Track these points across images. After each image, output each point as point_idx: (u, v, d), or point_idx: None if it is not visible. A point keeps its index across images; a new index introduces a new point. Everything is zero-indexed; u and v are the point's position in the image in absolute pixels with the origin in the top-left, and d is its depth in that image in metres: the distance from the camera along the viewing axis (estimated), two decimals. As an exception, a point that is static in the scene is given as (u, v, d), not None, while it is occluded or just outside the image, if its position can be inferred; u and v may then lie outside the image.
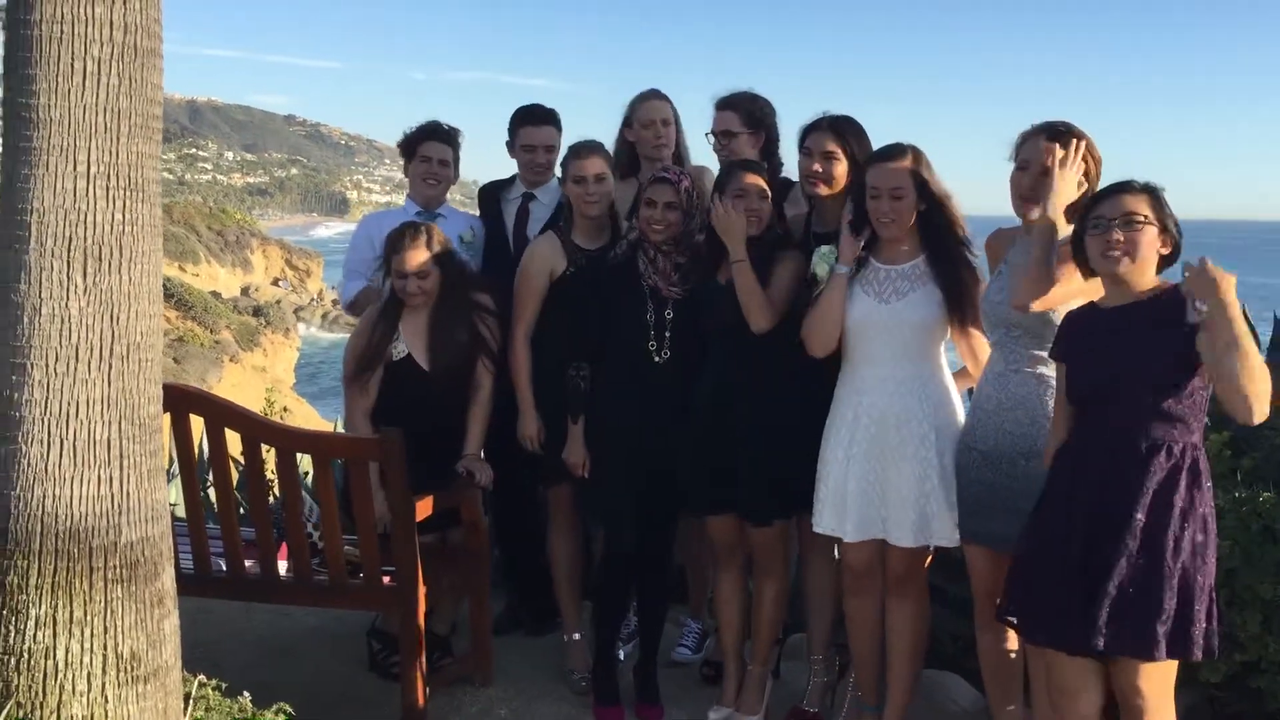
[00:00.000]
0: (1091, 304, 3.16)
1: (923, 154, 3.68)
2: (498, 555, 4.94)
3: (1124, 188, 3.07)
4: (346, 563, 3.95)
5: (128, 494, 2.84)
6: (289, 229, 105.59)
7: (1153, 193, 3.04)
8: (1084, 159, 3.38)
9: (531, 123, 4.71)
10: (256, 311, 37.68)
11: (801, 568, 4.33)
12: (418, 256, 4.15)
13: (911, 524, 3.63)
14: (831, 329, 3.71)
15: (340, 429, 5.40)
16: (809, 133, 3.93)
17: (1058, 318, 3.32)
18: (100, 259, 2.77)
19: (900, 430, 3.64)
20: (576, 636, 4.55)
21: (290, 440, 3.94)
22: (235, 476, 4.32)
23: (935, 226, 3.70)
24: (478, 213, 5.00)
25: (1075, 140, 3.36)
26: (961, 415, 3.73)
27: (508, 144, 4.77)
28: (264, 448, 3.97)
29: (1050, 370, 3.36)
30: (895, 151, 3.67)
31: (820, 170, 3.89)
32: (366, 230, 4.87)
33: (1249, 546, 3.57)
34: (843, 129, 3.89)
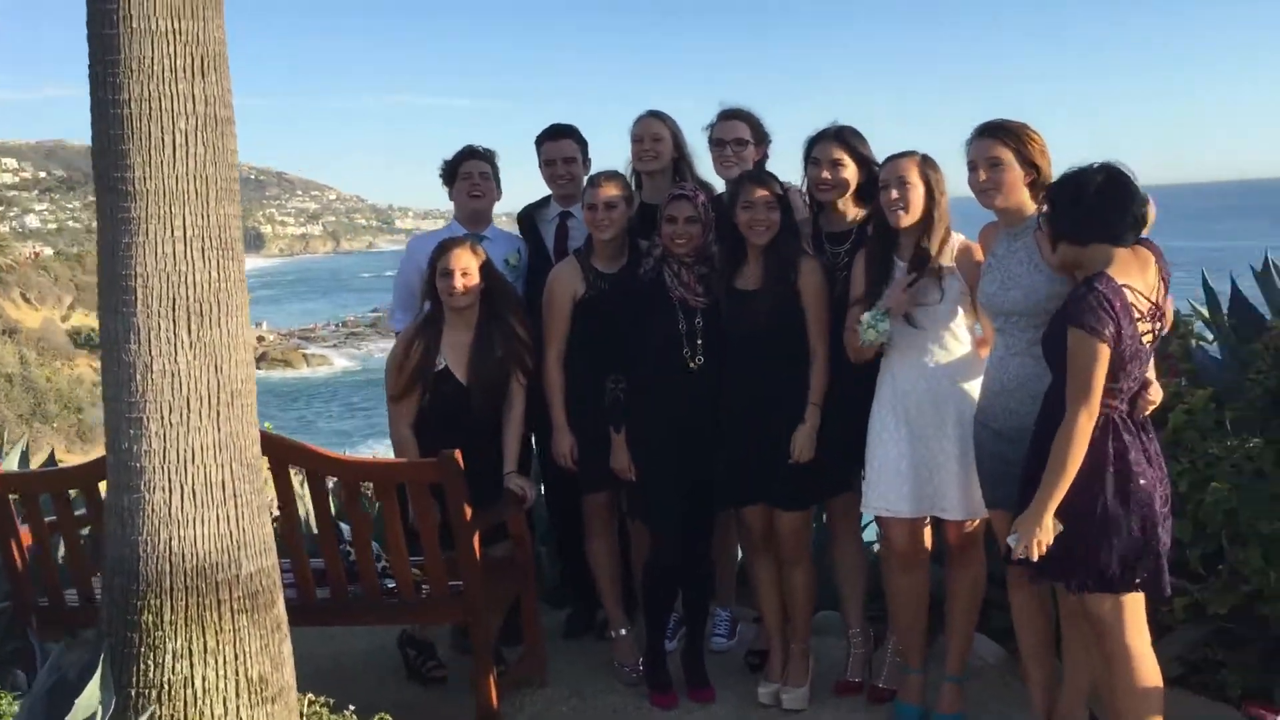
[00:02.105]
0: None
1: (932, 159, 4.00)
2: (560, 566, 5.21)
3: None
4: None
5: (243, 530, 3.07)
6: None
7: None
8: (1040, 153, 3.73)
9: (550, 138, 5.01)
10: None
11: (832, 548, 4.64)
12: (464, 257, 4.42)
13: (958, 499, 3.94)
14: (870, 355, 4.05)
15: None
16: (816, 143, 4.24)
17: (1050, 304, 3.63)
18: (202, 315, 2.99)
19: (939, 412, 3.96)
20: (623, 632, 4.83)
21: (354, 471, 4.17)
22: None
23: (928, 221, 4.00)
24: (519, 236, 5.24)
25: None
26: None
27: (539, 166, 5.04)
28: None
29: None
30: (907, 151, 4.00)
31: (829, 177, 4.21)
32: (414, 255, 5.06)
33: (1245, 488, 3.91)
34: (847, 137, 4.22)
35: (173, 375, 2.96)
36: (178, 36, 2.92)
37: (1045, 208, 3.45)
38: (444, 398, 4.48)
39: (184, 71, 2.94)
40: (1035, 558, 3.34)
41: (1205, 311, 5.15)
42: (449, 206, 5.27)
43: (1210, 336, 4.98)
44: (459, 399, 4.48)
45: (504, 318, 4.53)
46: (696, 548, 4.51)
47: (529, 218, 5.19)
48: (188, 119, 2.97)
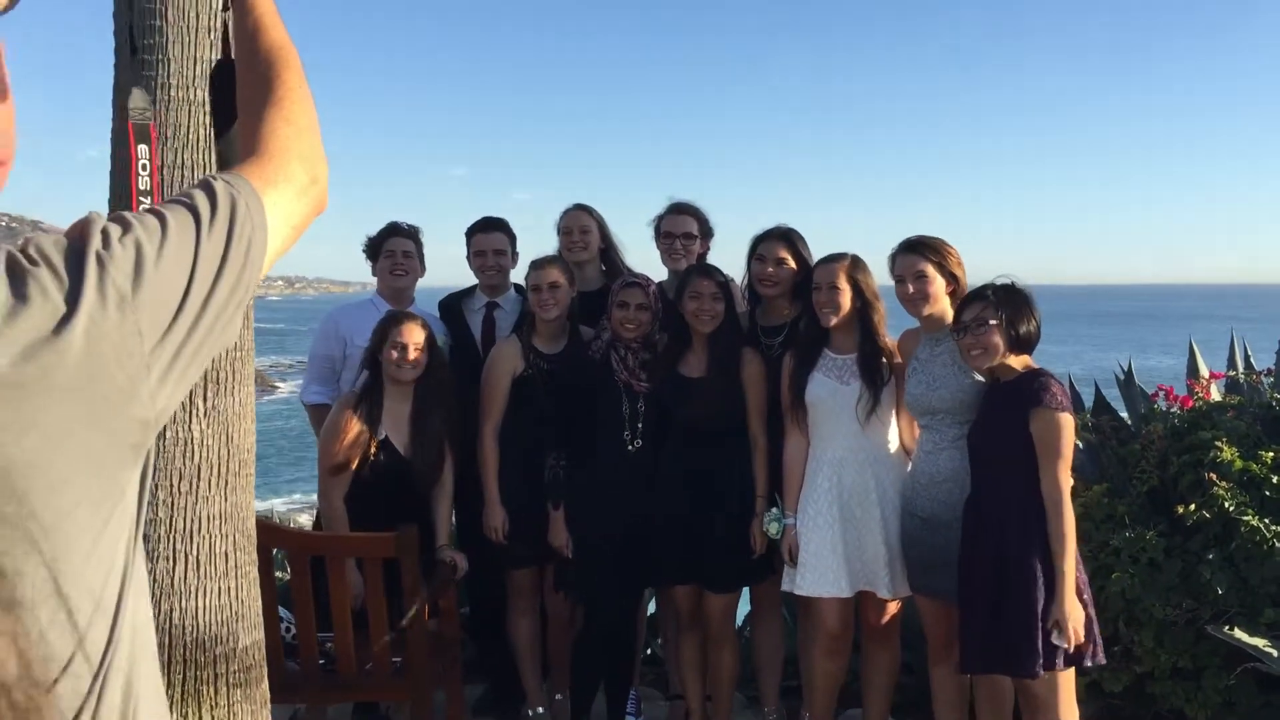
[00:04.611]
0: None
1: (861, 260, 4.31)
2: (475, 641, 5.19)
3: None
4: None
5: (242, 601, 3.03)
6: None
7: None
8: (957, 265, 4.12)
9: (481, 230, 5.08)
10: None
11: (755, 628, 4.83)
12: (416, 331, 4.47)
13: (887, 579, 4.19)
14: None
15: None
16: (762, 241, 4.51)
17: (974, 402, 3.98)
18: (219, 382, 2.97)
19: (865, 498, 4.21)
20: (541, 710, 4.87)
21: (303, 542, 4.11)
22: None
23: (867, 323, 4.30)
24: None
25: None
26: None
27: (467, 257, 5.10)
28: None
29: None
30: (837, 255, 4.29)
31: (772, 273, 4.47)
32: (335, 324, 5.08)
33: (1141, 576, 4.32)
34: (793, 239, 4.50)
35: (185, 443, 2.93)
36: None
37: (993, 320, 3.78)
38: (381, 469, 4.48)
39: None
40: (1080, 639, 3.62)
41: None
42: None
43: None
44: (396, 471, 4.49)
45: (441, 391, 4.59)
46: (627, 624, 4.61)
47: (453, 305, 5.23)
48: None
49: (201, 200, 1.11)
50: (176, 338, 1.04)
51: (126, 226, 1.04)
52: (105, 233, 1.02)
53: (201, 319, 1.06)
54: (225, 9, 1.36)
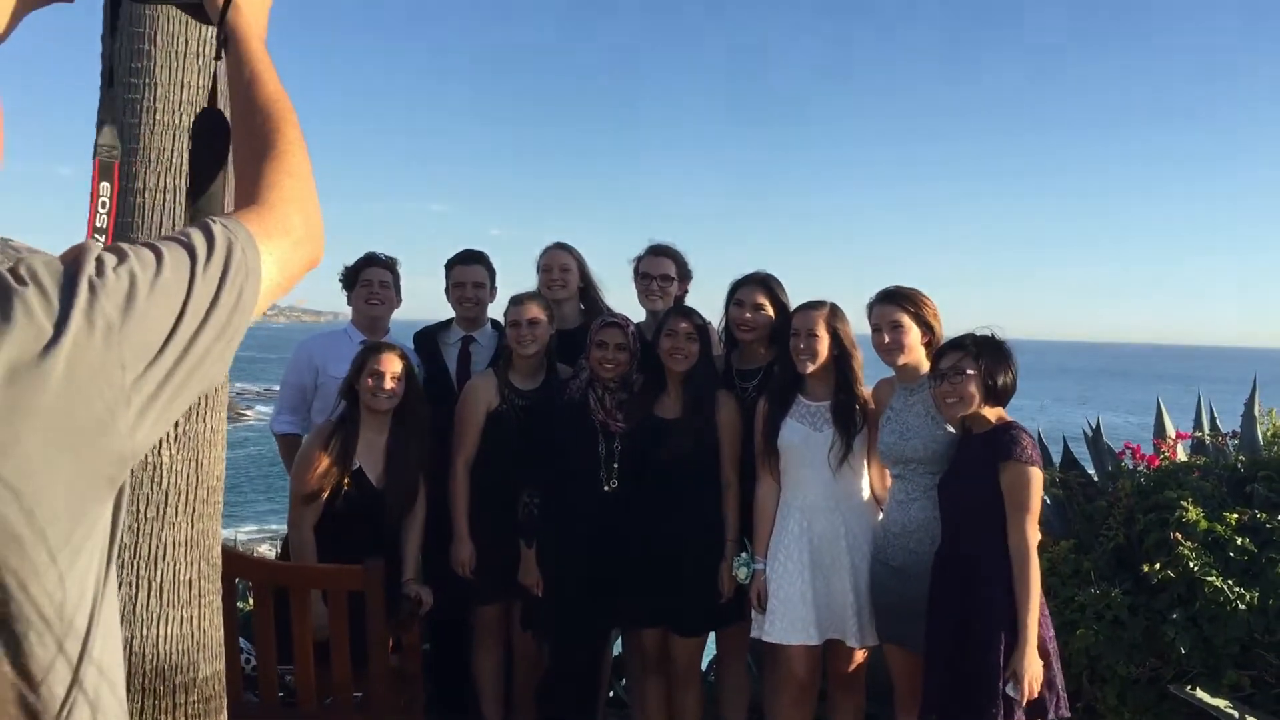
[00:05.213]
0: None
1: (839, 309, 4.33)
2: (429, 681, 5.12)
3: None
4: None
5: (204, 631, 3.00)
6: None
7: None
8: (933, 316, 4.15)
9: (461, 262, 5.08)
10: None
11: (719, 672, 4.81)
12: (394, 361, 4.46)
13: (855, 627, 4.18)
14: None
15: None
16: (741, 286, 4.53)
17: (946, 453, 4.01)
18: (190, 408, 2.95)
19: (835, 545, 4.21)
20: (502, 750, 4.81)
21: (269, 573, 4.07)
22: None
23: (843, 371, 4.32)
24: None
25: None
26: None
27: (445, 289, 5.09)
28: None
29: None
30: (817, 303, 4.32)
31: (750, 318, 4.49)
32: (308, 353, 5.06)
33: (1106, 633, 4.33)
34: (771, 284, 4.52)
35: (154, 468, 2.90)
36: None
37: (970, 370, 3.81)
38: (353, 500, 4.45)
39: None
40: (1035, 694, 3.61)
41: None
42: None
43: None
44: (368, 502, 4.46)
45: (417, 423, 4.57)
46: (594, 665, 4.58)
47: (429, 337, 5.21)
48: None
49: (199, 241, 1.11)
50: (158, 374, 1.03)
51: (122, 257, 1.03)
52: (100, 260, 1.01)
53: (185, 358, 1.05)
54: (218, 58, 1.36)
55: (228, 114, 1.37)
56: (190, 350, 1.06)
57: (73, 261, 1.00)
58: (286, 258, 1.22)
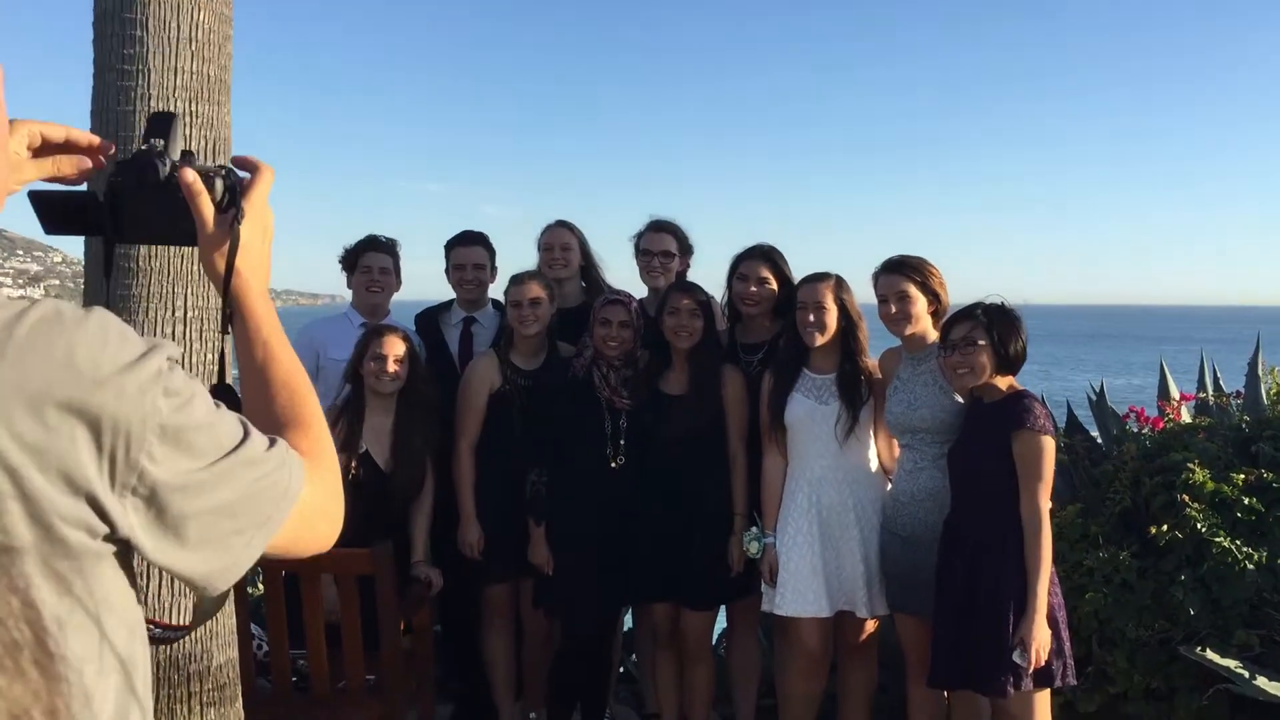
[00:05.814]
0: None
1: (844, 280, 4.32)
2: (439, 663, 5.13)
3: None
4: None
5: (217, 619, 2.99)
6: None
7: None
8: (939, 285, 4.13)
9: (461, 244, 5.05)
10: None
11: (730, 646, 4.81)
12: (398, 344, 4.45)
13: (865, 598, 4.19)
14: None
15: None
16: (744, 260, 4.50)
17: (954, 421, 4.00)
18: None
19: (844, 517, 4.21)
20: (513, 728, 4.83)
21: (278, 559, 4.05)
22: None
23: (848, 343, 4.31)
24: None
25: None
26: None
27: (445, 271, 5.07)
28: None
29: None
30: (822, 275, 4.30)
31: (755, 292, 4.48)
32: (308, 337, 5.02)
33: (1114, 596, 4.34)
34: (774, 257, 4.50)
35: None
36: (194, 119, 2.92)
37: (982, 340, 3.79)
38: (360, 483, 4.44)
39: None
40: (1041, 662, 3.61)
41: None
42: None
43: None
44: (376, 484, 4.45)
45: (423, 405, 4.56)
46: (605, 641, 4.59)
47: (430, 318, 5.19)
48: (195, 199, 2.94)
49: (259, 439, 1.14)
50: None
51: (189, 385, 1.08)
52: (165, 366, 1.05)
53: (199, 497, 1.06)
54: (225, 331, 1.34)
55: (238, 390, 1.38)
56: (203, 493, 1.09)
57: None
58: (312, 522, 1.24)
